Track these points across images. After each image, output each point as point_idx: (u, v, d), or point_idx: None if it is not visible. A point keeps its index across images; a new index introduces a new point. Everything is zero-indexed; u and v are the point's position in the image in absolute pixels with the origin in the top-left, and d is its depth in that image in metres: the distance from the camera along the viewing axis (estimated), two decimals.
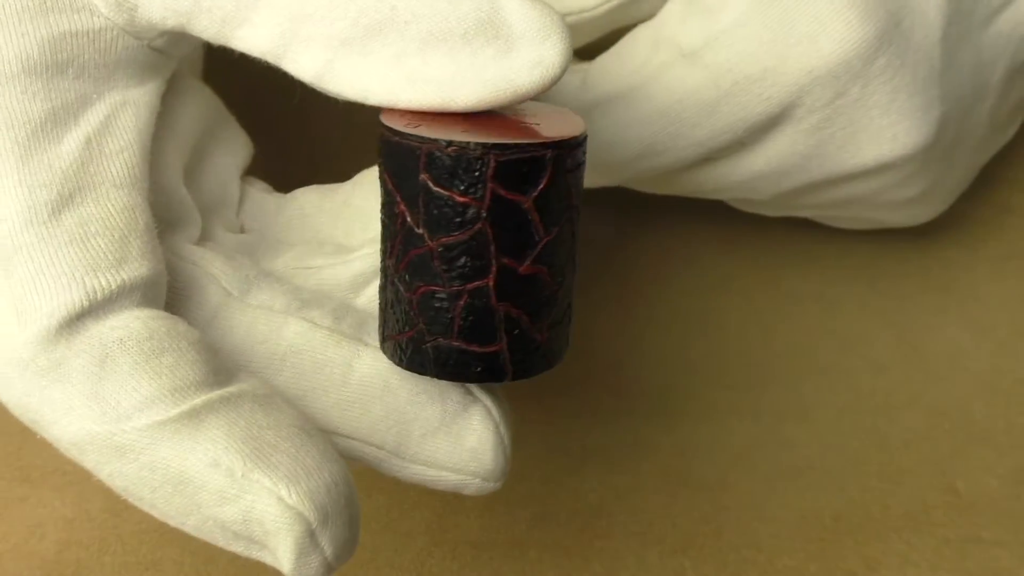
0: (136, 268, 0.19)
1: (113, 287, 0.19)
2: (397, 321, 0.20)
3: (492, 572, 0.28)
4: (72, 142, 0.19)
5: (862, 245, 0.34)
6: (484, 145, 0.18)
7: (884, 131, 0.25)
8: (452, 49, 0.19)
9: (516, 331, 0.19)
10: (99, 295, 0.18)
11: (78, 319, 0.18)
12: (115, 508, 0.29)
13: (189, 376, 0.19)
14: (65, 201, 0.19)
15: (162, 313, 0.19)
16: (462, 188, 0.18)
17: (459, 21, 0.18)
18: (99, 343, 0.18)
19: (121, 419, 0.18)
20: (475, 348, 0.19)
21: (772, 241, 0.33)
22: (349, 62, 0.19)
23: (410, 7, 0.19)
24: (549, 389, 0.31)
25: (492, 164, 0.18)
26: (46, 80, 0.19)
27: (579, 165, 0.19)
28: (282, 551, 0.18)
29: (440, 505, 0.29)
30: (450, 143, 0.18)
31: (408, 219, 0.19)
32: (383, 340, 0.20)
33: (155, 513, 0.19)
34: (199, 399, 0.18)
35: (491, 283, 0.19)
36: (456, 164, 0.18)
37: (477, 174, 0.18)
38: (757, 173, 0.27)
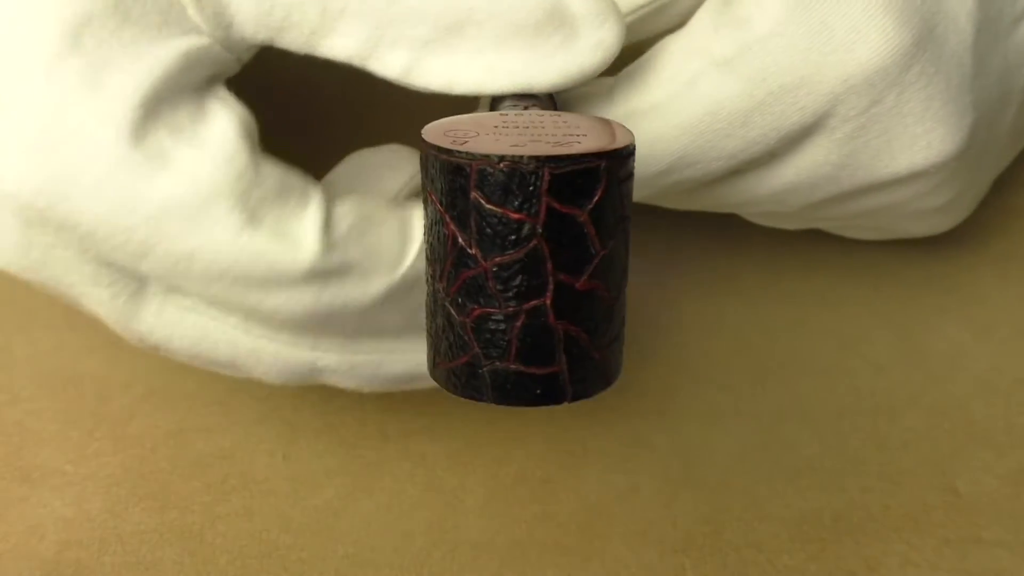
0: (315, 184, 0.23)
1: (324, 197, 0.23)
2: (450, 347, 0.19)
3: (492, 572, 0.28)
4: (231, 131, 0.22)
5: (863, 246, 0.34)
6: (537, 158, 0.17)
7: (919, 139, 0.25)
8: (525, 40, 0.21)
9: (575, 350, 0.19)
10: (325, 207, 0.22)
11: (326, 229, 0.22)
12: (115, 508, 0.29)
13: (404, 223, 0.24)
14: (258, 164, 0.22)
15: (346, 197, 0.23)
16: (516, 204, 0.17)
17: (529, 15, 0.21)
18: (348, 232, 0.22)
19: (399, 266, 0.23)
20: (534, 370, 0.18)
21: (773, 242, 0.34)
22: (433, 60, 0.22)
23: (485, 6, 0.21)
24: None
25: (547, 178, 0.17)
26: (183, 93, 0.21)
27: (630, 175, 0.19)
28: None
29: (440, 505, 0.29)
30: (502, 158, 0.17)
31: (459, 240, 0.18)
32: (434, 367, 0.20)
33: None
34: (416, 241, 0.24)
35: (549, 302, 0.18)
36: (509, 180, 0.17)
37: (531, 189, 0.17)
38: (787, 185, 0.26)
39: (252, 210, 0.21)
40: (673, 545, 0.29)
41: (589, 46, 0.21)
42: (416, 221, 0.24)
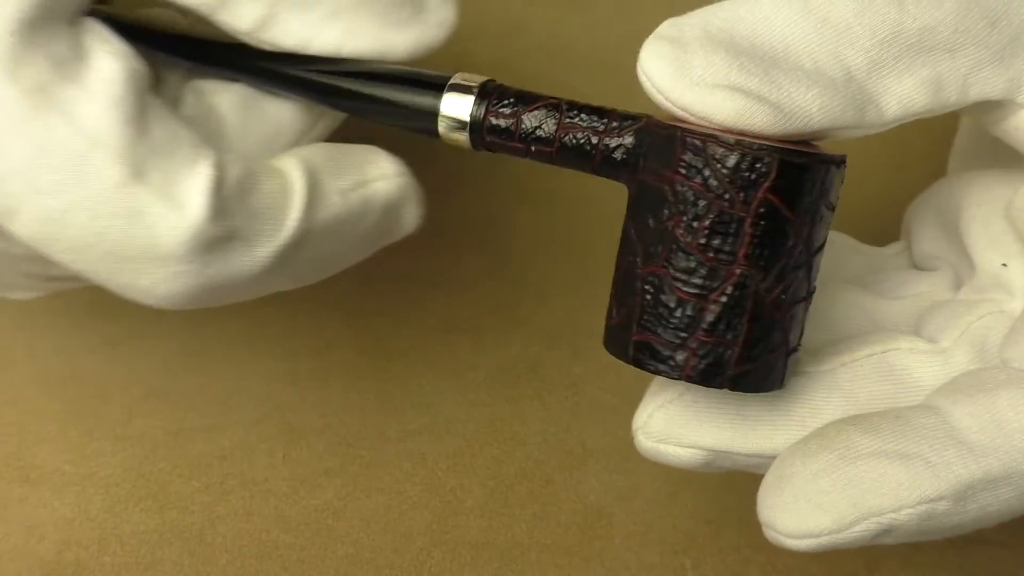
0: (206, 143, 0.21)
1: (216, 158, 0.20)
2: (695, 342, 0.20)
3: (492, 572, 0.28)
4: (118, 70, 0.20)
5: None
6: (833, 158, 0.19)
7: None
8: (382, 9, 0.22)
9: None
10: (216, 166, 0.20)
11: (217, 190, 0.20)
12: (115, 508, 0.29)
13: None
14: (147, 111, 0.20)
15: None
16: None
17: None
18: (235, 192, 0.20)
19: (283, 225, 0.21)
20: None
21: None
22: (288, 15, 0.21)
23: None
24: (549, 388, 0.31)
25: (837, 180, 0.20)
26: (58, 22, 0.20)
27: None
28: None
29: (440, 505, 0.29)
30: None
31: (791, 241, 0.19)
32: (618, 337, 0.21)
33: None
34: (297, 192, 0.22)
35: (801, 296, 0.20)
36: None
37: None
38: None
39: (137, 163, 0.19)
40: (673, 545, 0.29)
41: (434, 24, 0.22)
42: (291, 168, 0.22)
